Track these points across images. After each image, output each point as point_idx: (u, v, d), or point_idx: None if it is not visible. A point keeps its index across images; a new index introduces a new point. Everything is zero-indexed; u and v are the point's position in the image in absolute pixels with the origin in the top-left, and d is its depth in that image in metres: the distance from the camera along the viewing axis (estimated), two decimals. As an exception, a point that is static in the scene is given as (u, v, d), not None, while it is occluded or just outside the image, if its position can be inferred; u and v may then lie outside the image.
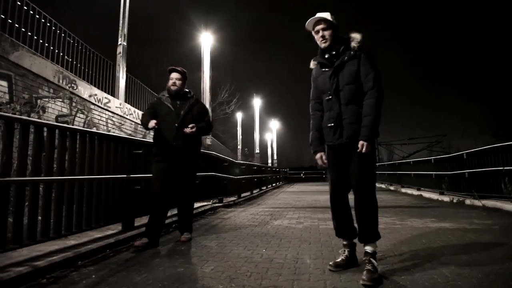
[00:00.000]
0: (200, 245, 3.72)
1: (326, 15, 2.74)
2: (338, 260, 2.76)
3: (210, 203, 7.39)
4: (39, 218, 2.98)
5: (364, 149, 2.57)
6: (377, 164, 20.75)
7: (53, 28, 8.42)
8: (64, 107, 7.92)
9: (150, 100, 13.90)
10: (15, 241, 2.74)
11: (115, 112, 10.31)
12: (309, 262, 2.97)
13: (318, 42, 2.79)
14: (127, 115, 11.00)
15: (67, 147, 3.29)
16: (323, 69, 2.81)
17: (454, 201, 8.18)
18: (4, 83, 6.20)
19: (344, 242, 2.85)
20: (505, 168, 6.61)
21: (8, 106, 5.51)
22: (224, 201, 8.03)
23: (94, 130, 8.41)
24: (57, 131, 3.21)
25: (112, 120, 10.17)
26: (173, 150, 3.81)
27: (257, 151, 25.23)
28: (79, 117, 8.46)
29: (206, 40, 10.90)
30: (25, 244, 2.84)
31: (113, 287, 2.39)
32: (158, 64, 25.44)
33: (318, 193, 12.69)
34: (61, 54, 8.62)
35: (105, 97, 9.88)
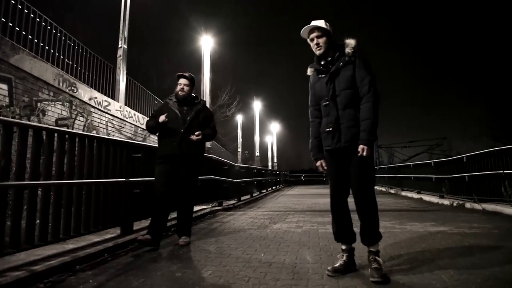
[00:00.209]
0: (198, 249, 3.71)
1: (320, 23, 2.78)
2: (337, 265, 2.76)
3: (210, 206, 7.38)
4: (37, 222, 2.98)
5: (364, 153, 2.61)
6: (377, 167, 20.76)
7: (54, 31, 8.43)
8: (64, 110, 7.93)
9: (150, 103, 13.92)
10: (12, 245, 2.74)
11: (115, 115, 10.32)
12: (308, 266, 2.96)
13: (314, 50, 2.85)
14: (127, 118, 11.00)
15: (66, 151, 3.29)
16: (320, 76, 2.87)
17: (454, 204, 8.15)
18: (4, 86, 6.20)
19: (343, 247, 2.85)
20: (505, 171, 6.60)
21: (8, 109, 5.51)
22: (223, 205, 8.02)
23: (93, 133, 8.42)
24: (56, 135, 3.21)
25: (112, 123, 10.18)
26: (177, 154, 3.86)
27: (257, 154, 25.24)
28: (79, 120, 8.46)
29: (206, 43, 10.93)
30: (23, 248, 2.83)
31: (111, 292, 2.39)
32: (158, 67, 25.52)
33: (318, 196, 12.66)
34: (62, 57, 8.64)
35: (105, 100, 9.89)
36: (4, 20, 6.84)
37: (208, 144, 11.18)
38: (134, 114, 11.63)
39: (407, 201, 10.27)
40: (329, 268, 2.75)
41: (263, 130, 32.92)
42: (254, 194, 12.25)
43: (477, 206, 7.17)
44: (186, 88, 4.01)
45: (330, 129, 2.75)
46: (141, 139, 11.81)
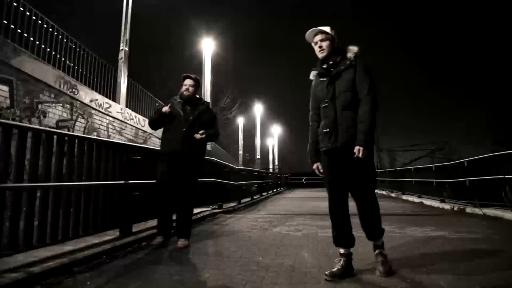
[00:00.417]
0: (197, 252, 3.71)
1: (326, 28, 2.86)
2: (334, 269, 2.75)
3: (210, 209, 7.37)
4: (36, 223, 2.98)
5: (360, 154, 2.64)
6: (378, 170, 20.73)
7: (55, 33, 8.48)
8: (64, 112, 7.96)
9: (151, 106, 13.96)
10: (11, 247, 2.74)
11: (116, 117, 10.35)
12: (306, 271, 2.95)
13: (317, 53, 2.92)
14: (128, 120, 11.03)
15: (65, 153, 3.30)
16: (321, 79, 2.92)
17: (455, 209, 8.13)
18: (6, 88, 6.23)
19: (341, 251, 2.85)
20: (506, 176, 6.57)
21: (8, 111, 5.54)
22: (224, 207, 8.01)
23: (94, 135, 8.44)
24: (55, 137, 3.22)
25: (112, 125, 10.20)
26: (178, 153, 3.92)
27: (258, 156, 25.23)
28: (80, 122, 8.49)
29: (208, 46, 10.97)
30: (21, 250, 2.84)
31: (108, 295, 2.39)
32: (160, 70, 25.59)
33: (319, 200, 12.63)
34: (63, 59, 8.67)
35: (106, 102, 9.93)
36: (6, 22, 6.87)
37: (208, 146, 11.20)
38: (135, 116, 11.66)
39: (408, 205, 10.24)
40: (326, 272, 2.74)
41: (265, 133, 32.96)
42: (254, 197, 12.23)
43: (477, 211, 7.14)
44: (191, 89, 4.09)
45: (328, 130, 2.79)
46: (141, 141, 11.84)
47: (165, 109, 3.96)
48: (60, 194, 3.23)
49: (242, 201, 10.08)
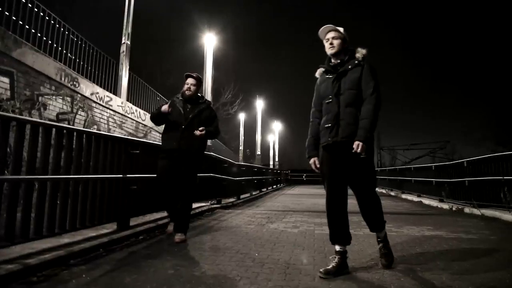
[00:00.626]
0: (193, 247, 3.72)
1: (339, 28, 2.95)
2: (329, 267, 2.76)
3: (208, 204, 7.40)
4: (32, 215, 2.99)
5: (359, 149, 2.67)
6: (378, 169, 20.71)
7: (57, 25, 8.46)
8: (65, 105, 7.96)
9: (152, 100, 13.95)
10: (7, 238, 2.75)
11: (116, 110, 10.35)
12: (300, 267, 2.96)
13: (326, 49, 2.97)
14: (128, 114, 11.03)
15: (63, 146, 3.31)
16: (327, 76, 2.98)
17: (454, 209, 8.13)
18: (6, 80, 6.23)
19: (337, 249, 2.86)
20: (504, 177, 6.57)
21: (8, 103, 5.54)
22: (222, 202, 8.03)
23: (93, 128, 8.45)
24: (53, 130, 3.23)
25: (113, 118, 10.21)
26: (176, 150, 4.00)
27: (259, 152, 25.21)
28: (80, 115, 8.50)
29: (209, 41, 10.93)
30: (17, 241, 2.85)
31: (102, 287, 2.40)
32: (162, 64, 25.55)
33: (318, 197, 12.65)
34: (64, 51, 8.66)
35: (107, 96, 9.92)
36: (7, 13, 6.86)
37: (209, 142, 11.20)
38: (136, 110, 11.66)
39: (407, 204, 10.25)
40: (321, 270, 2.75)
41: (266, 129, 32.93)
42: (254, 193, 12.25)
43: (476, 211, 7.14)
44: (192, 88, 4.16)
45: (329, 124, 2.83)
46: (142, 135, 11.85)
47: (164, 108, 4.05)
48: (57, 187, 3.24)
49: (241, 196, 10.10)
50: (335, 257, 2.81)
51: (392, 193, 15.18)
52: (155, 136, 12.47)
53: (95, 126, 9.10)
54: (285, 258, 3.26)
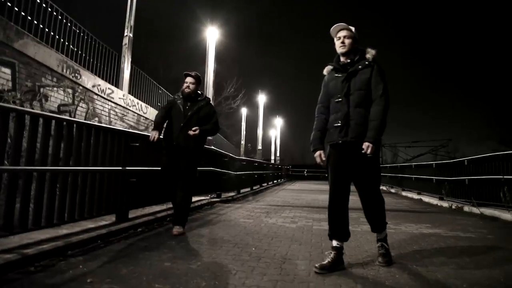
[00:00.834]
0: (191, 240, 3.75)
1: (351, 28, 2.97)
2: (324, 262, 2.78)
3: (208, 197, 7.42)
4: (31, 206, 3.01)
5: (369, 150, 2.73)
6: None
7: (59, 17, 8.45)
8: (66, 97, 7.97)
9: (154, 93, 13.96)
10: (6, 228, 2.77)
11: (118, 103, 10.36)
12: (296, 263, 2.98)
13: (337, 47, 2.99)
14: (130, 107, 11.04)
15: (62, 138, 3.32)
16: (337, 74, 3.00)
17: (453, 207, 8.14)
18: (8, 71, 6.24)
19: (334, 244, 2.89)
20: (504, 177, 6.56)
21: (9, 94, 5.56)
22: (222, 196, 8.06)
23: (95, 121, 8.47)
24: (53, 121, 3.24)
25: (114, 111, 10.22)
26: (175, 147, 4.12)
27: (260, 147, 25.21)
28: (81, 107, 8.51)
29: (212, 34, 10.89)
30: (16, 231, 2.87)
31: (99, 278, 2.42)
32: (165, 57, 25.49)
33: (319, 192, 12.68)
34: (66, 43, 8.66)
35: (109, 88, 9.93)
36: (9, 4, 6.85)
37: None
38: (138, 103, 11.67)
39: (407, 201, 10.26)
40: (316, 265, 2.77)
41: (267, 124, 32.90)
42: (254, 187, 12.28)
43: (475, 210, 7.14)
44: (191, 86, 4.25)
45: (339, 124, 2.86)
46: (143, 128, 11.87)
47: (151, 138, 4.06)
48: (56, 178, 3.26)
49: (242, 191, 10.13)
50: (331, 253, 2.83)
51: (393, 190, 15.18)
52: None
53: (96, 118, 9.12)
54: (282, 253, 3.28)
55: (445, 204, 8.74)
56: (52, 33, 8.11)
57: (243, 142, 26.22)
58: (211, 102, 4.65)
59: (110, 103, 10.00)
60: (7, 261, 2.48)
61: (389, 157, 39.83)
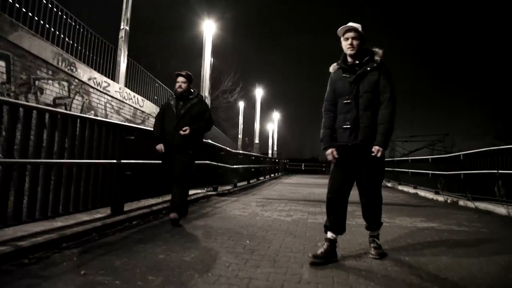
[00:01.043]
0: (185, 233, 3.77)
1: (358, 26, 2.95)
2: (318, 252, 2.82)
3: (204, 191, 7.43)
4: (26, 198, 3.02)
5: (379, 154, 2.83)
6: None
7: (55, 9, 8.37)
8: (62, 90, 7.93)
9: (151, 86, 13.90)
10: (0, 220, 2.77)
11: (114, 96, 10.32)
12: (290, 255, 3.00)
13: (345, 48, 2.99)
14: (126, 100, 11.00)
15: (57, 130, 3.31)
16: (344, 75, 3.01)
17: (448, 201, 8.18)
18: (2, 63, 6.19)
19: (328, 236, 2.94)
20: (499, 171, 6.59)
21: (4, 86, 5.52)
22: (218, 190, 8.07)
23: (91, 114, 8.44)
24: (47, 114, 3.23)
25: (110, 104, 10.18)
26: (170, 145, 4.25)
27: (257, 141, 25.20)
28: (77, 100, 8.47)
29: (209, 28, 10.81)
30: (10, 224, 2.88)
31: (92, 270, 2.43)
32: (161, 50, 25.35)
33: (315, 186, 12.73)
34: (62, 36, 8.58)
35: (105, 81, 9.88)
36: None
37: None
38: (134, 96, 11.63)
39: (403, 195, 10.31)
40: (310, 254, 2.84)
41: (265, 118, 32.84)
42: (251, 181, 12.31)
43: (470, 204, 7.19)
44: (183, 85, 4.36)
45: (349, 126, 2.91)
46: (140, 121, 11.84)
47: (159, 151, 4.31)
48: (50, 171, 3.26)
49: (238, 184, 10.15)
50: (324, 244, 2.88)
51: (389, 184, 15.23)
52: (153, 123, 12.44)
53: (92, 112, 9.09)
54: (276, 246, 3.30)
55: (440, 198, 8.79)
56: (47, 26, 8.04)
57: (240, 136, 26.19)
58: (204, 98, 4.85)
59: (106, 96, 9.96)
60: (1, 253, 2.49)
61: (387, 151, 39.84)
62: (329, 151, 3.00)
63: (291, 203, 6.85)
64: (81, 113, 8.29)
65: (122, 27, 10.99)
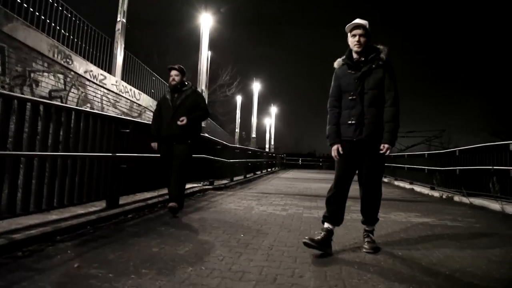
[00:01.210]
0: (180, 226, 3.77)
1: (366, 23, 2.97)
2: (315, 238, 2.89)
3: (200, 185, 7.44)
4: (20, 191, 3.00)
5: (388, 152, 2.92)
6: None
7: (50, 1, 8.28)
8: (58, 82, 7.88)
9: (148, 79, 13.83)
10: (-7, 213, 2.77)
11: (110, 89, 10.27)
12: (283, 249, 3.01)
13: (351, 45, 3.01)
14: (122, 93, 10.95)
15: (51, 123, 3.29)
16: (349, 71, 3.05)
17: (444, 197, 8.22)
18: (-3, 55, 6.14)
19: (325, 226, 3.00)
20: (494, 167, 6.63)
21: (-2, 78, 5.48)
22: (215, 184, 8.08)
23: (87, 107, 8.40)
24: (41, 107, 3.21)
25: (107, 97, 10.13)
26: (169, 135, 4.39)
27: (254, 135, 25.19)
28: (73, 92, 8.42)
29: (206, 21, 10.75)
30: (4, 217, 2.87)
31: (86, 263, 2.44)
32: (159, 44, 25.21)
33: (312, 181, 12.77)
34: (57, 28, 8.51)
35: (101, 74, 9.82)
36: (-2, -14, 6.70)
37: (203, 123, 11.18)
38: (130, 89, 11.57)
39: (399, 190, 10.36)
40: (306, 237, 2.90)
41: (262, 113, 32.80)
42: (247, 175, 12.33)
43: (465, 199, 7.23)
44: (176, 78, 4.49)
45: (353, 121, 2.97)
46: (136, 114, 11.80)
47: (153, 147, 4.56)
48: (45, 164, 3.25)
49: (235, 178, 10.17)
50: (321, 232, 2.95)
51: (385, 180, 15.28)
52: (150, 116, 12.42)
53: (88, 105, 9.04)
54: (270, 240, 3.31)
55: (436, 193, 8.84)
56: (43, 17, 7.96)
57: (237, 130, 26.17)
58: (197, 89, 4.98)
59: (102, 89, 9.90)
60: (-6, 245, 2.48)
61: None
62: (335, 147, 3.07)
63: (287, 198, 6.87)
64: (77, 106, 8.25)
65: (118, 19, 10.91)
